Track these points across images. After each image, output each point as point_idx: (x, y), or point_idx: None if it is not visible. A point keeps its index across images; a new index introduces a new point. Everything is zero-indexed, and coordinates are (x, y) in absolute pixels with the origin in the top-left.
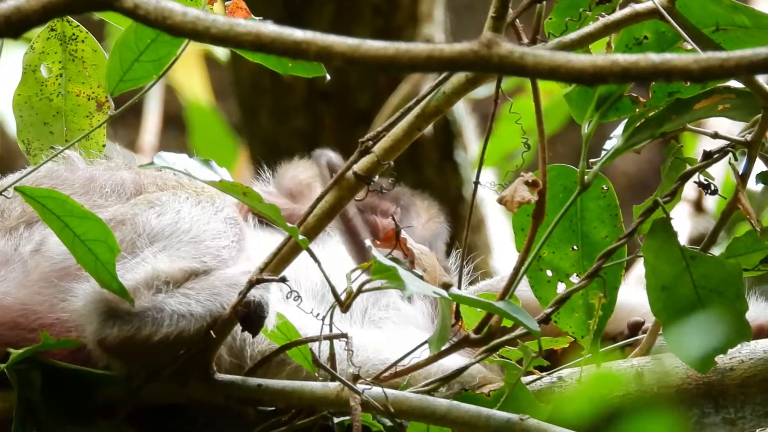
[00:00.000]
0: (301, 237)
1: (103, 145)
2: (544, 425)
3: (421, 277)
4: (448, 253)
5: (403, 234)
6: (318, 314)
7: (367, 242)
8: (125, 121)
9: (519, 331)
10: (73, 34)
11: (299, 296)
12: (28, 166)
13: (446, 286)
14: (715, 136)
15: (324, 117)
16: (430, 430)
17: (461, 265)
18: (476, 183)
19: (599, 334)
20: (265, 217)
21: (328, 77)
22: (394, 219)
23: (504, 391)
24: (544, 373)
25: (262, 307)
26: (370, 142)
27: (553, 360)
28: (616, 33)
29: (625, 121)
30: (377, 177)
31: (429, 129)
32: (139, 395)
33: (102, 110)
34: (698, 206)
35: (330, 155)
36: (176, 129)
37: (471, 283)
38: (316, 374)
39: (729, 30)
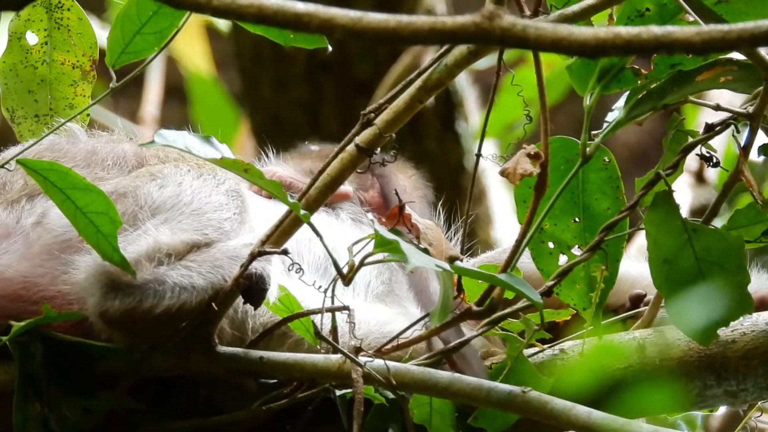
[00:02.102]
0: (302, 211)
1: (87, 115)
2: (545, 397)
3: (427, 251)
4: (448, 225)
5: (407, 209)
6: (320, 287)
7: (370, 216)
8: (127, 92)
9: (521, 304)
10: (59, 2)
11: (301, 269)
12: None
13: (453, 260)
14: (717, 108)
15: (325, 87)
16: (433, 404)
17: (463, 235)
18: (478, 155)
19: (601, 306)
20: (268, 192)
21: (330, 48)
22: (397, 195)
23: (506, 364)
24: (546, 346)
25: (264, 280)
26: (372, 115)
27: (554, 332)
28: (618, 5)
29: (627, 93)
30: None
31: (430, 100)
32: (141, 368)
33: (87, 79)
34: (699, 177)
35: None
36: (177, 100)
37: (471, 255)
38: (318, 347)
39: (731, 2)
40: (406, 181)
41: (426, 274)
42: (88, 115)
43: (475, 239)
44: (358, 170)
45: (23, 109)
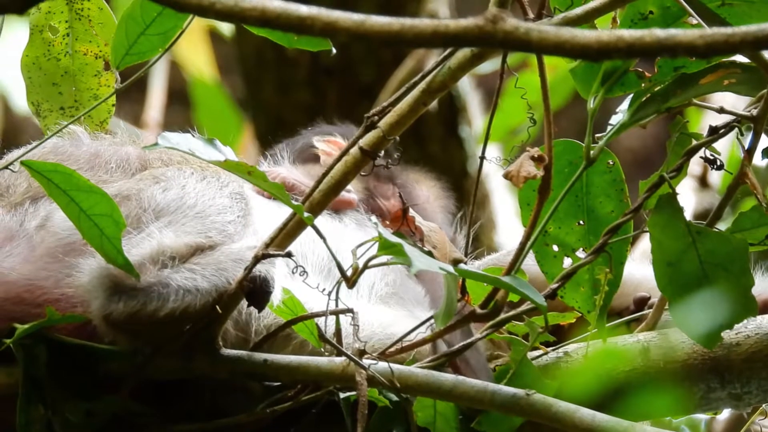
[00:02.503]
0: (306, 214)
1: (113, 105)
2: (550, 400)
3: (431, 254)
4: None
5: (411, 212)
6: (324, 289)
7: (374, 219)
8: (130, 96)
9: (525, 306)
10: None
11: (305, 271)
12: (32, 142)
13: (457, 262)
14: (721, 111)
15: (328, 91)
16: (437, 405)
17: (467, 239)
18: (482, 158)
19: (605, 309)
20: (271, 195)
21: (334, 51)
22: (401, 197)
23: (510, 367)
24: (550, 349)
25: (268, 282)
26: (376, 117)
27: (559, 335)
28: (621, 8)
29: (631, 96)
30: (383, 152)
31: (433, 104)
32: (145, 370)
33: (111, 69)
34: (703, 181)
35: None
36: (181, 104)
37: (476, 258)
38: (322, 349)
39: (734, 5)
40: (428, 192)
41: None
42: (113, 105)
43: (478, 243)
44: (362, 173)
45: (48, 102)
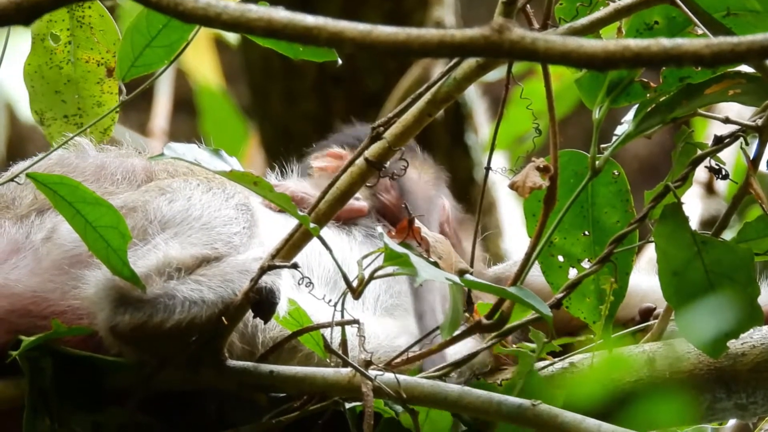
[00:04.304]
0: (312, 225)
1: (117, 113)
2: (556, 410)
3: (436, 265)
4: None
5: (417, 223)
6: (330, 300)
7: (379, 229)
8: (136, 105)
9: (531, 317)
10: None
11: (311, 282)
12: (38, 153)
13: (462, 273)
14: (726, 120)
15: (334, 100)
16: (429, 415)
17: (473, 248)
18: (487, 168)
19: (611, 319)
20: (277, 206)
21: (340, 62)
22: (407, 208)
23: (516, 380)
24: (556, 359)
25: (274, 294)
26: (381, 128)
27: (565, 345)
28: (626, 18)
29: (636, 106)
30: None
31: (439, 113)
32: (151, 382)
33: (113, 76)
34: (710, 188)
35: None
36: (187, 113)
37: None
38: (328, 360)
39: (740, 15)
40: (415, 170)
41: (431, 298)
42: (118, 111)
43: (485, 252)
44: (367, 184)
45: (52, 110)
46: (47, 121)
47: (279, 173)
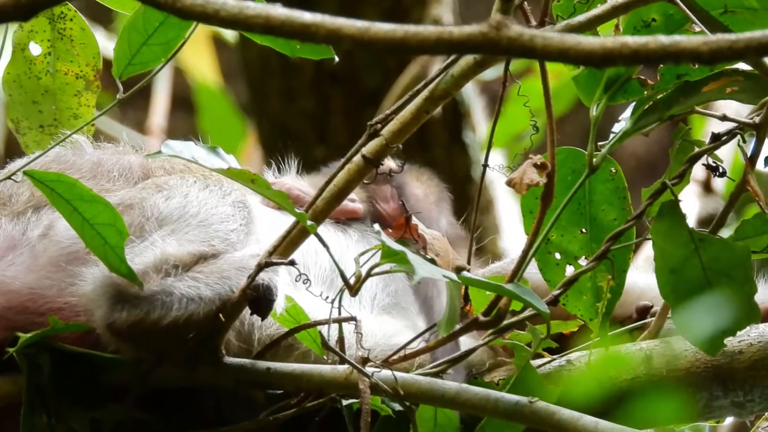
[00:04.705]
0: (309, 222)
1: (93, 126)
2: (553, 408)
3: (434, 262)
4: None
5: (414, 220)
6: (327, 297)
7: (376, 227)
8: (134, 103)
9: (527, 314)
10: (62, 13)
11: (308, 280)
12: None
13: (459, 270)
14: (724, 118)
15: (332, 98)
16: (437, 414)
17: (470, 246)
18: (484, 165)
19: (608, 317)
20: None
21: (337, 59)
22: (404, 205)
23: (513, 374)
24: (553, 357)
25: (271, 291)
26: (379, 125)
27: (562, 343)
28: (624, 15)
29: (634, 103)
30: (387, 159)
31: (437, 110)
32: (148, 379)
33: (90, 89)
34: (707, 186)
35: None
36: (185, 110)
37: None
38: (325, 357)
39: (737, 12)
40: (420, 188)
41: (434, 292)
42: (93, 125)
43: (483, 248)
44: (365, 181)
45: (28, 120)
46: (23, 130)
47: (276, 170)
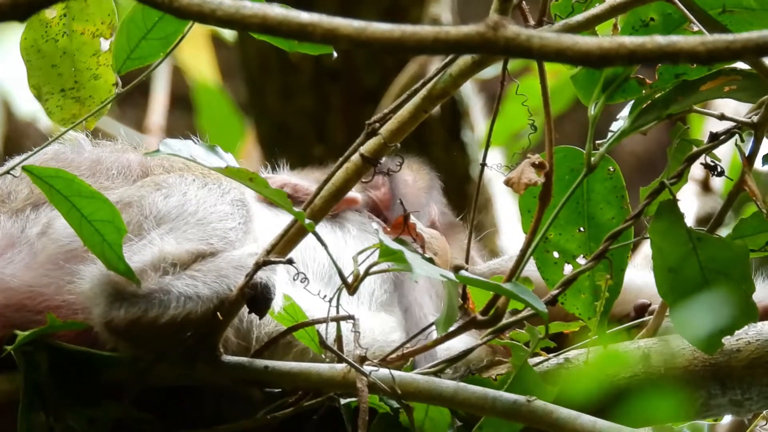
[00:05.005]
0: (307, 221)
1: (113, 85)
2: (550, 407)
3: (432, 261)
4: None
5: (413, 219)
6: (325, 296)
7: (375, 226)
8: (133, 101)
9: (526, 313)
10: None
11: (306, 278)
12: (35, 147)
13: (458, 269)
14: (722, 117)
15: (331, 97)
16: (429, 411)
17: (468, 244)
18: (482, 164)
19: (606, 315)
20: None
21: (335, 55)
22: (402, 205)
23: (511, 373)
24: (551, 355)
25: (269, 289)
26: (377, 124)
27: (560, 342)
28: (622, 15)
29: (632, 102)
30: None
31: (436, 109)
32: (146, 377)
33: (109, 49)
34: (705, 185)
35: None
36: (184, 109)
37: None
38: (323, 356)
39: (735, 12)
40: (410, 174)
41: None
42: (113, 84)
43: (480, 246)
44: (363, 180)
45: (49, 84)
46: (45, 95)
47: (272, 168)
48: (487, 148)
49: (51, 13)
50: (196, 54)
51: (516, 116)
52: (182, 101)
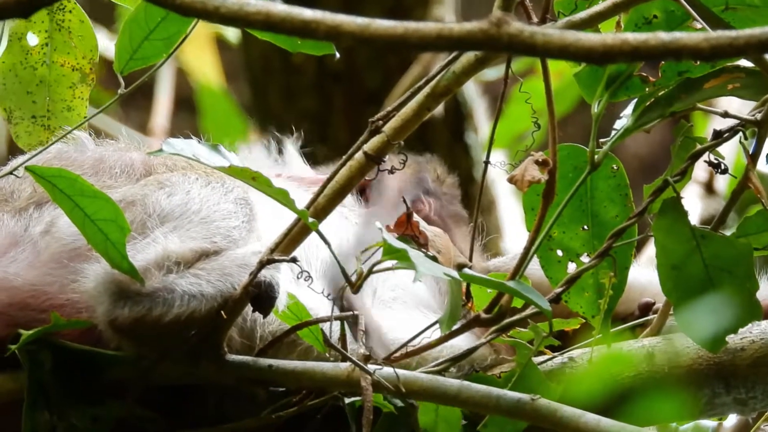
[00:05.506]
0: (311, 219)
1: (84, 117)
2: (555, 405)
3: (435, 259)
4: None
5: (416, 217)
6: (329, 295)
7: (377, 225)
8: (137, 103)
9: (530, 311)
10: (61, 4)
11: (310, 276)
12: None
13: (461, 267)
14: (725, 115)
15: (334, 98)
16: (439, 411)
17: (471, 247)
18: (486, 163)
19: (610, 313)
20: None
21: (338, 55)
22: (405, 202)
23: (515, 372)
24: (555, 354)
25: (273, 288)
26: (381, 122)
27: (564, 340)
28: (625, 12)
29: (635, 100)
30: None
31: (440, 110)
32: (150, 376)
33: (85, 82)
34: (709, 188)
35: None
36: (187, 111)
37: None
38: (327, 354)
39: (738, 9)
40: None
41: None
42: (84, 117)
43: (485, 248)
44: (366, 178)
45: (21, 110)
46: (15, 119)
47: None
48: (490, 146)
49: (33, 40)
50: (200, 56)
51: (519, 118)
52: (186, 103)
